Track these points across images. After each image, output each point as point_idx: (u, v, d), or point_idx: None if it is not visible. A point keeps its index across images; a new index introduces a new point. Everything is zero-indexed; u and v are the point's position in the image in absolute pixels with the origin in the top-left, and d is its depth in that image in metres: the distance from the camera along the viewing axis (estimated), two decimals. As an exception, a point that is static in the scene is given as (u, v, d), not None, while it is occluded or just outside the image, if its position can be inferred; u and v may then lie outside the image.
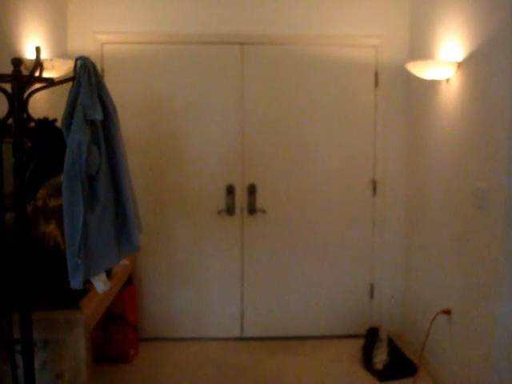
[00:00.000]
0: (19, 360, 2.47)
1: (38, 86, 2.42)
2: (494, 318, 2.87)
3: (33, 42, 3.37)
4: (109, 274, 2.82)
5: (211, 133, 4.23)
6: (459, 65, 3.32)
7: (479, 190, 3.04)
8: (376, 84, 4.32)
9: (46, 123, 2.48)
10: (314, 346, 4.31)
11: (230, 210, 4.29)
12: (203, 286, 4.34)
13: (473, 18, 3.15)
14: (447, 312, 3.45)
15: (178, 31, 4.17)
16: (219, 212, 4.27)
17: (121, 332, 3.94)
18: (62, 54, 3.93)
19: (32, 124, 2.42)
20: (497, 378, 2.89)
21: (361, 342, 4.22)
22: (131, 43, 4.18)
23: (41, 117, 2.48)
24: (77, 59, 2.31)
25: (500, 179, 2.81)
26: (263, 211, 4.30)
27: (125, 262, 3.51)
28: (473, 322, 3.14)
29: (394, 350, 3.95)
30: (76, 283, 2.22)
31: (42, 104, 3.35)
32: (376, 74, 4.31)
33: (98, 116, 2.28)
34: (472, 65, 3.18)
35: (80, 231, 2.17)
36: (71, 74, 2.38)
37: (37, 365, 2.59)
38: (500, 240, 2.81)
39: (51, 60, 3.31)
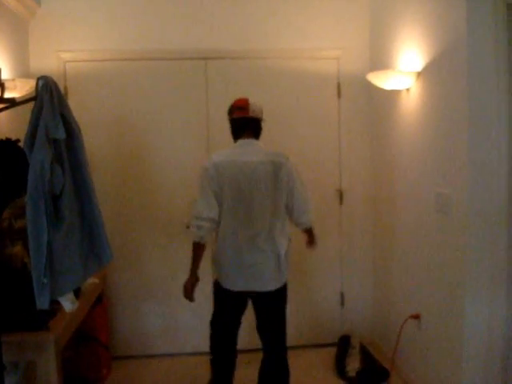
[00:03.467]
0: (-12, 384, 2.44)
1: (-1, 106, 2.41)
2: (462, 321, 2.93)
3: (-6, 61, 3.36)
4: (77, 292, 2.80)
5: (178, 148, 4.23)
6: (418, 74, 3.39)
7: (441, 195, 3.11)
8: (339, 95, 4.38)
9: (8, 144, 2.48)
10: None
11: (198, 224, 4.33)
12: (174, 301, 4.31)
13: (431, 28, 3.23)
14: (416, 317, 3.50)
15: (141, 48, 4.19)
16: (188, 226, 4.25)
17: (92, 352, 3.90)
18: (24, 73, 3.90)
19: (-6, 145, 2.41)
20: (466, 380, 2.94)
21: (333, 350, 4.25)
22: (95, 61, 4.18)
23: (3, 137, 2.47)
24: (38, 79, 2.31)
25: (460, 185, 2.88)
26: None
27: (94, 280, 3.49)
28: (441, 325, 3.20)
29: (366, 356, 4.00)
30: (42, 303, 2.20)
31: (5, 125, 3.32)
32: (338, 85, 4.38)
33: (61, 135, 2.28)
34: (431, 74, 3.25)
35: (44, 251, 2.16)
36: (34, 94, 2.38)
37: (7, 388, 2.56)
38: (463, 244, 2.88)
39: (13, 80, 3.29)
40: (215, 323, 3.35)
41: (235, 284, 3.14)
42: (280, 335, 3.35)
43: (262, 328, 3.32)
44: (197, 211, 3.10)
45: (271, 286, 3.14)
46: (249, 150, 3.16)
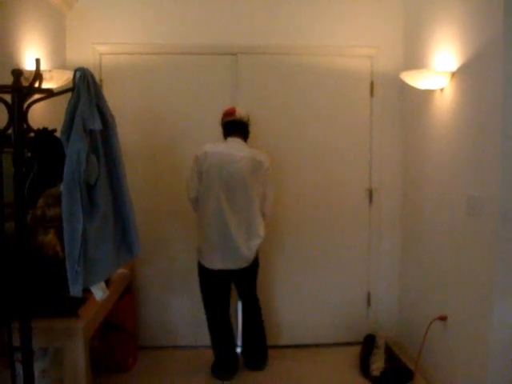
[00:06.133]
0: (19, 368, 2.49)
1: (37, 96, 2.45)
2: (489, 324, 2.90)
3: (32, 53, 3.41)
4: (107, 281, 2.84)
5: (207, 140, 4.19)
6: (453, 74, 3.36)
7: (472, 198, 3.07)
8: (372, 93, 4.36)
9: (45, 133, 2.51)
10: (312, 354, 4.33)
11: (227, 219, 4.37)
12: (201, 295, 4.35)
13: (466, 28, 3.19)
14: (443, 318, 3.48)
15: (174, 42, 4.22)
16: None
17: (119, 341, 3.96)
18: (60, 64, 3.97)
19: (31, 134, 2.45)
20: (492, 383, 2.92)
21: (358, 349, 4.25)
22: (129, 54, 4.22)
23: (40, 127, 2.51)
24: (76, 70, 2.34)
25: (493, 187, 2.85)
26: (261, 221, 4.35)
27: (124, 270, 3.54)
28: (468, 327, 3.17)
29: (390, 356, 3.97)
30: (76, 291, 2.24)
31: (42, 114, 3.38)
32: (371, 84, 4.36)
33: (97, 126, 2.31)
34: (466, 74, 3.22)
35: (79, 240, 2.19)
36: (70, 85, 2.41)
37: (36, 373, 2.61)
38: (494, 247, 2.85)
39: (50, 71, 3.34)
40: (208, 303, 3.94)
41: (215, 263, 3.72)
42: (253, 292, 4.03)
43: (242, 291, 4.02)
44: (188, 193, 3.81)
45: (248, 262, 3.74)
46: (234, 146, 3.73)
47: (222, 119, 3.85)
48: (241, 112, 3.81)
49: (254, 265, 3.85)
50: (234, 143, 3.75)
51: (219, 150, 3.70)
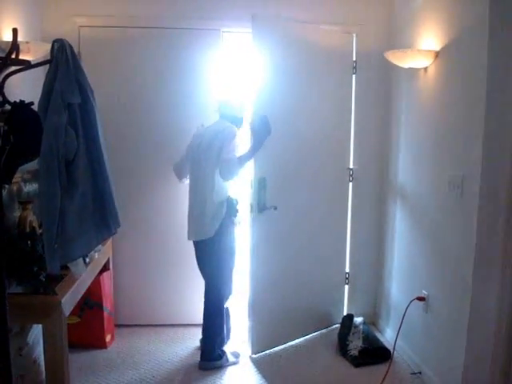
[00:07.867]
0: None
1: (14, 68, 2.38)
2: (470, 304, 2.91)
3: (8, 24, 3.31)
4: (84, 258, 2.80)
5: (184, 114, 4.17)
6: (437, 54, 3.34)
7: (455, 177, 3.08)
8: (354, 71, 4.32)
9: (22, 106, 2.44)
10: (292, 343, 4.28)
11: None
12: (180, 272, 4.32)
13: (451, 8, 3.18)
14: (421, 299, 3.49)
15: (156, 15, 4.14)
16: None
17: (97, 318, 3.93)
18: (38, 36, 3.85)
19: (8, 107, 2.38)
20: (470, 363, 2.94)
21: (337, 329, 4.26)
22: (109, 26, 4.12)
23: (17, 100, 2.44)
24: (54, 41, 2.28)
25: (475, 167, 2.84)
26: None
27: (102, 247, 3.50)
28: (448, 308, 3.19)
29: (369, 336, 3.99)
30: (53, 268, 2.20)
31: (19, 87, 3.29)
32: (354, 61, 4.31)
33: (76, 99, 2.25)
34: (450, 54, 3.21)
35: (57, 216, 2.14)
36: (48, 58, 2.35)
37: (13, 350, 2.57)
38: (474, 227, 2.85)
39: (27, 43, 3.25)
40: None
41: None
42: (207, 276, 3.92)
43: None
44: None
45: (200, 236, 3.76)
46: (211, 127, 3.80)
47: None
48: (227, 98, 3.90)
49: (210, 243, 3.71)
50: (213, 124, 3.81)
51: (197, 132, 3.86)
